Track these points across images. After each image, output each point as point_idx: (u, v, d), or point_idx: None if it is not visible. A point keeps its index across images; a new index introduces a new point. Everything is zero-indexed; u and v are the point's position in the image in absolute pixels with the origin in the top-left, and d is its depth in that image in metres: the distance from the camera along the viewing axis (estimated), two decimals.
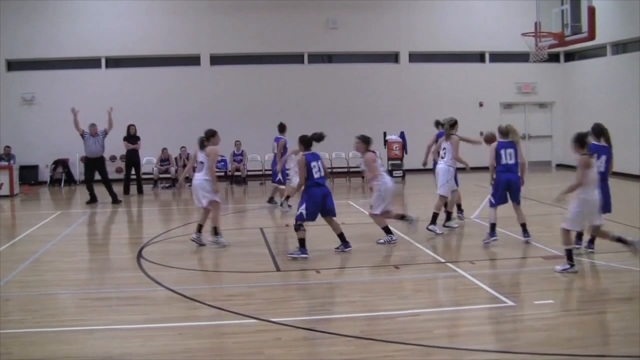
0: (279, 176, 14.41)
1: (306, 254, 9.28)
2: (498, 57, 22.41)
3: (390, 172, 20.47)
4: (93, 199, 16.10)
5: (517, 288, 8.02)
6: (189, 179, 11.42)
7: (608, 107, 19.25)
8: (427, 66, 22.18)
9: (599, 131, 9.35)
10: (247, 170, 20.15)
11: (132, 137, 18.40)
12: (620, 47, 19.78)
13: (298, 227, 9.30)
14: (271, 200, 14.96)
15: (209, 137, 10.39)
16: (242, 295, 7.66)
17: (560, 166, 22.22)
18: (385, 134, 20.75)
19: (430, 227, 10.95)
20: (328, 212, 9.61)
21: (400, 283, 8.27)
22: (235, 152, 20.17)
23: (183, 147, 19.69)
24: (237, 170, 20.05)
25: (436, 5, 22.01)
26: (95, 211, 15.19)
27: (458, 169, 11.50)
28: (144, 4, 20.98)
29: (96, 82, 20.76)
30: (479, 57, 22.63)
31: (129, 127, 18.46)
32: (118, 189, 18.24)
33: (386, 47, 22.11)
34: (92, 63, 21.01)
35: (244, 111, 21.00)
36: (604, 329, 6.58)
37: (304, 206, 9.28)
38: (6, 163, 18.29)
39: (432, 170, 12.34)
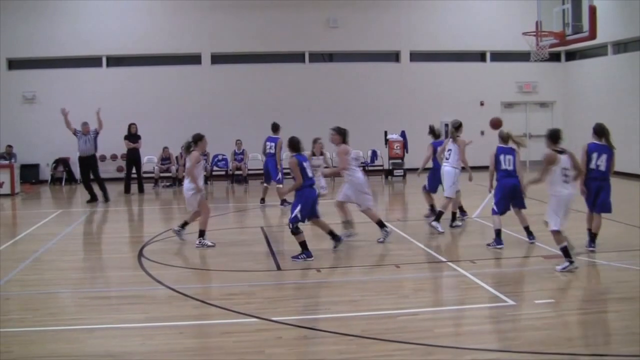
0: (279, 175, 14.39)
1: (311, 256, 9.24)
2: (499, 57, 22.40)
3: (391, 171, 20.57)
4: (93, 198, 16.11)
5: (518, 287, 8.01)
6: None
7: (609, 107, 19.25)
8: (428, 65, 22.18)
9: (601, 131, 9.35)
10: (248, 169, 20.14)
11: (133, 136, 18.41)
12: (621, 47, 19.77)
13: (296, 230, 9.25)
14: (263, 200, 14.96)
15: (197, 141, 10.38)
16: (242, 294, 7.66)
17: None
18: (386, 133, 20.78)
19: (434, 223, 11.01)
20: (315, 214, 9.55)
21: (401, 282, 8.26)
22: (236, 151, 20.17)
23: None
24: (238, 169, 20.06)
25: (437, 5, 22.01)
26: (95, 210, 15.19)
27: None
28: (144, 3, 20.99)
29: (97, 81, 20.77)
30: (480, 57, 22.62)
31: (129, 125, 18.47)
32: (119, 187, 18.29)
33: (387, 46, 22.10)
34: (92, 62, 21.03)
35: (244, 110, 21.00)
36: (604, 328, 6.58)
37: (298, 208, 9.21)
38: (7, 162, 18.29)
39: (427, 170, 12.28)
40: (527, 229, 10.02)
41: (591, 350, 5.85)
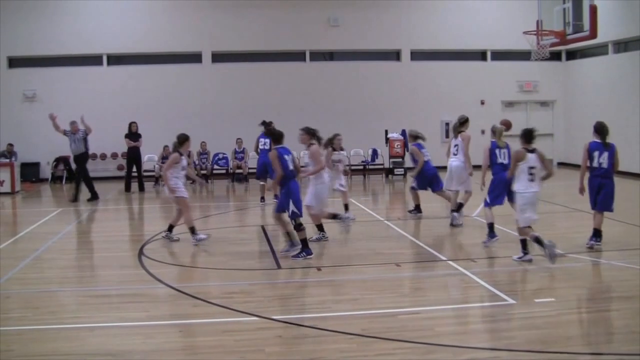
0: None
1: (311, 253, 9.22)
2: (500, 55, 22.40)
3: (391, 170, 20.58)
4: (94, 197, 16.12)
5: (518, 286, 8.02)
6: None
7: (609, 106, 19.25)
8: (428, 64, 22.17)
9: (601, 129, 9.39)
10: (249, 168, 20.13)
11: (133, 135, 18.40)
12: (622, 46, 19.76)
13: (299, 227, 9.22)
14: (262, 199, 14.97)
15: (182, 142, 10.57)
16: (243, 292, 7.66)
17: (561, 164, 22.18)
18: (386, 131, 20.78)
19: (455, 214, 11.40)
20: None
21: (402, 281, 8.28)
22: (237, 149, 20.16)
23: None
24: (239, 167, 20.06)
25: (438, 4, 22.00)
26: (96, 208, 15.20)
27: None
28: (145, 2, 20.99)
29: (98, 80, 20.77)
30: (481, 55, 22.61)
31: (130, 124, 18.46)
32: (120, 186, 18.30)
33: (388, 45, 22.09)
34: (93, 60, 21.02)
35: (245, 109, 20.96)
36: (604, 327, 6.57)
37: (291, 203, 9.11)
38: (7, 160, 18.29)
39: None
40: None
41: (591, 349, 5.86)
